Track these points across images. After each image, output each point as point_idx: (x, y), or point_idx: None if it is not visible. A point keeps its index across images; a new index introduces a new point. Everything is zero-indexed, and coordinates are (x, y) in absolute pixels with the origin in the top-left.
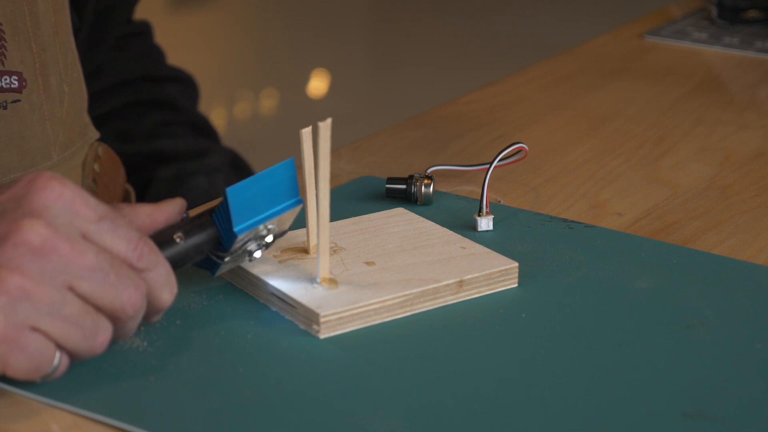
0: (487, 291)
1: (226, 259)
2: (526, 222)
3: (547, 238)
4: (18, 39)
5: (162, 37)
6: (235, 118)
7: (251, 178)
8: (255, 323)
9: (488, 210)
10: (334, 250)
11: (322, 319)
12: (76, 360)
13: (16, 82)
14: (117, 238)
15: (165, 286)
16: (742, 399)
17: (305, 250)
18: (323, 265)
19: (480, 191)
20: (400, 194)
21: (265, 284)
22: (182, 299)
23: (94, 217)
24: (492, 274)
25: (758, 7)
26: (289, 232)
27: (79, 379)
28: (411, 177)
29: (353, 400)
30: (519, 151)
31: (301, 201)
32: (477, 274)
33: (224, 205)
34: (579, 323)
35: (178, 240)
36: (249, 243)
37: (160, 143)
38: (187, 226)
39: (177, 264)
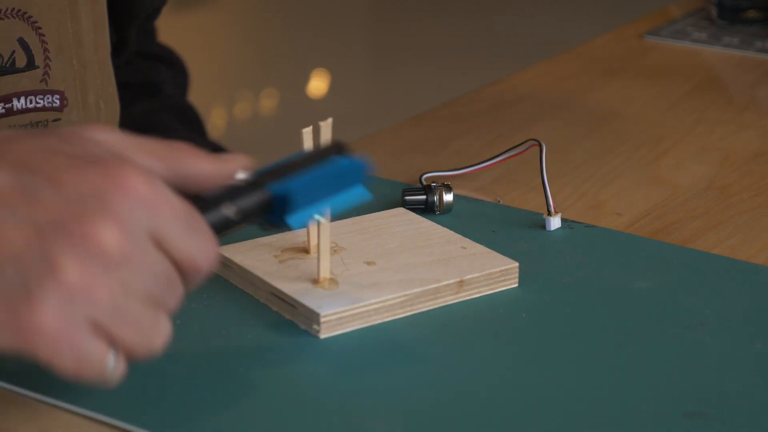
0: (487, 291)
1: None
2: (526, 222)
3: (547, 238)
4: (61, 57)
5: (162, 37)
6: (235, 118)
7: (316, 173)
8: (255, 323)
9: (555, 208)
10: (335, 250)
11: (322, 319)
12: (133, 361)
13: (57, 101)
14: (192, 242)
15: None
16: (742, 399)
17: (305, 250)
18: (324, 265)
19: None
20: (420, 205)
21: (265, 284)
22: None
23: (172, 218)
24: (492, 274)
25: (758, 7)
26: (290, 232)
27: None
28: (429, 187)
29: (353, 400)
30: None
31: (368, 194)
32: (477, 274)
33: (281, 197)
34: (579, 323)
35: (227, 212)
36: None
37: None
38: (238, 195)
39: (218, 233)
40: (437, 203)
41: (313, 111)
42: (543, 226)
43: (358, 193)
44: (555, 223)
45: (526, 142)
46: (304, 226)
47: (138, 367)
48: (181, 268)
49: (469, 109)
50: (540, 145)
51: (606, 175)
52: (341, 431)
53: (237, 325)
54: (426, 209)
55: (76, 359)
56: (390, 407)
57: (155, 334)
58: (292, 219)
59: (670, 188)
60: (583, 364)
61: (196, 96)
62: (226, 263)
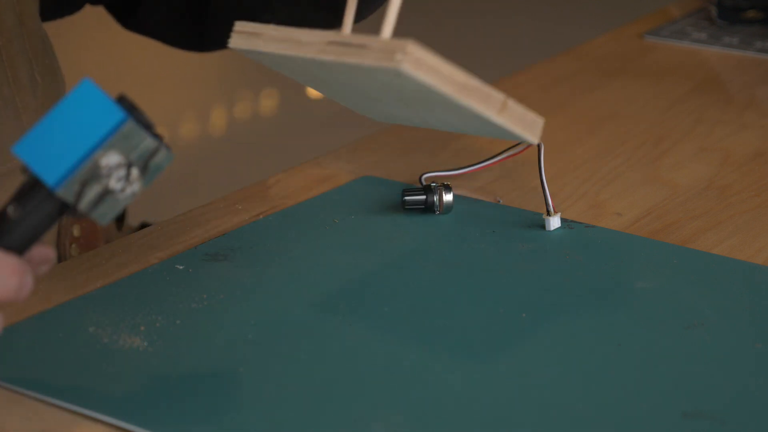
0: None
1: (82, 207)
2: (526, 222)
3: (547, 238)
4: None
5: None
6: (235, 118)
7: (40, 123)
8: (255, 323)
9: (554, 208)
10: None
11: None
12: None
13: None
14: None
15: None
16: (743, 399)
17: None
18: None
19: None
20: (420, 205)
21: (322, 34)
22: (182, 299)
23: None
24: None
25: (758, 7)
26: None
27: (79, 378)
28: (429, 187)
29: (353, 400)
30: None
31: (127, 117)
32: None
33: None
34: (579, 323)
35: (12, 213)
36: (99, 183)
37: None
38: (16, 196)
39: (26, 240)
40: (437, 203)
41: (313, 111)
42: (543, 226)
43: (117, 125)
44: (554, 223)
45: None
46: (69, 178)
47: (138, 367)
48: None
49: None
50: (538, 145)
51: (606, 175)
52: (341, 431)
53: (237, 325)
54: (426, 209)
55: None
56: (390, 407)
57: None
58: (53, 182)
59: (670, 188)
60: (583, 364)
61: (196, 96)
62: (256, 31)
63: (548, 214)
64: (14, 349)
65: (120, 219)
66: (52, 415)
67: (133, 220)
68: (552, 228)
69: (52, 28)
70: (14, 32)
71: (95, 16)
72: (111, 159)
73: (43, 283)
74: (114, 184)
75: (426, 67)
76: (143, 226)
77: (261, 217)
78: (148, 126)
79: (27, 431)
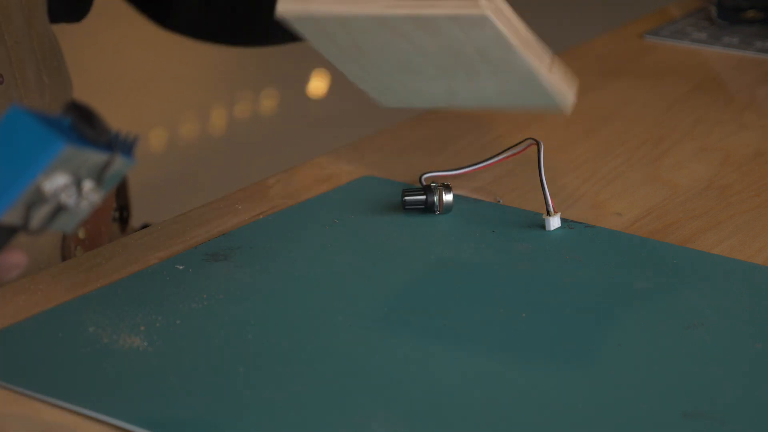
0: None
1: (33, 227)
2: (526, 222)
3: (547, 238)
4: None
5: (163, 36)
6: (235, 118)
7: None
8: (255, 323)
9: (554, 207)
10: None
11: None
12: None
13: None
14: None
15: None
16: (743, 399)
17: None
18: None
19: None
20: (420, 205)
21: None
22: (182, 299)
23: None
24: None
25: (758, 7)
26: None
27: (79, 378)
28: (429, 187)
29: (353, 400)
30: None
31: (63, 143)
32: None
33: None
34: (579, 323)
35: None
36: (46, 203)
37: None
38: None
39: None
40: (437, 203)
41: (313, 111)
42: (543, 226)
43: (54, 150)
44: (554, 223)
45: (524, 141)
46: (7, 206)
47: (138, 367)
48: None
49: (470, 108)
50: (538, 144)
51: (606, 175)
52: (341, 431)
53: (237, 325)
54: (426, 209)
55: None
56: (390, 407)
57: None
58: None
59: (670, 188)
60: (582, 364)
61: (196, 96)
62: None
63: (548, 214)
64: (14, 349)
65: (124, 221)
66: (52, 415)
67: (135, 222)
68: (552, 228)
69: (58, 29)
70: (22, 34)
71: (97, 16)
72: (56, 181)
73: (43, 283)
74: (66, 199)
75: (504, 17)
76: (144, 227)
77: (261, 217)
78: (96, 138)
79: (27, 431)
